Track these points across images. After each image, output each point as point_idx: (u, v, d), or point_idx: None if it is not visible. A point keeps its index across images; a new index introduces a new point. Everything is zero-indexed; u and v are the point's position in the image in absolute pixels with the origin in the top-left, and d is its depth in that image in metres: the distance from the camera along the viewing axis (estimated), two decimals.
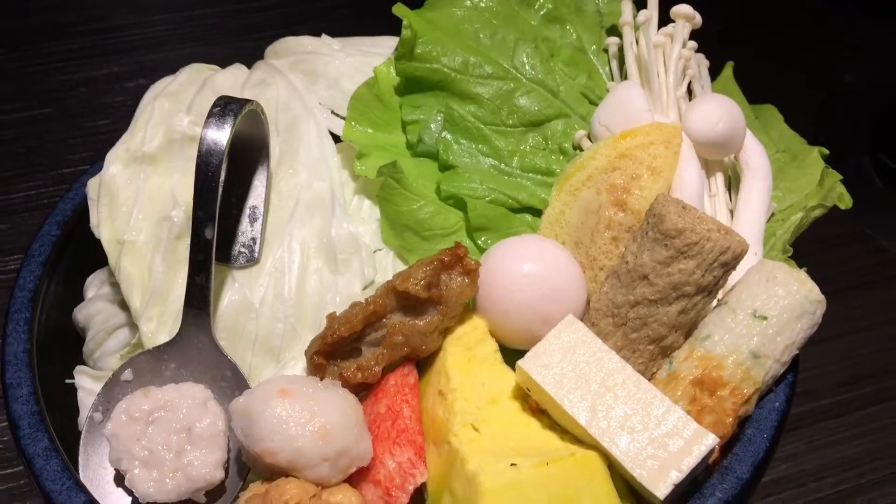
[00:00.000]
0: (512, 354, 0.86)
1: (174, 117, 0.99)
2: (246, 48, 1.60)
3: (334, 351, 0.86)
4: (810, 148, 1.04)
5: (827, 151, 1.02)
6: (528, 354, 0.82)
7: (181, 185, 0.95)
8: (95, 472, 0.84)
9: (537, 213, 0.99)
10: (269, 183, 0.97)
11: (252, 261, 0.93)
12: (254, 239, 0.94)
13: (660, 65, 1.02)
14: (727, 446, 0.81)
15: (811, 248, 0.98)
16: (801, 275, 0.83)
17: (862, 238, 1.50)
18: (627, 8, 1.08)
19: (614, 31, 1.10)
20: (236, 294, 0.91)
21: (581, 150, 1.01)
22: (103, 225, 0.94)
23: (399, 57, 1.02)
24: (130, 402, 0.83)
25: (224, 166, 0.85)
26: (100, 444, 0.85)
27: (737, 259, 0.81)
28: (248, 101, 0.88)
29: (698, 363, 0.81)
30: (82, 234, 0.97)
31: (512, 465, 0.74)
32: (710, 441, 0.75)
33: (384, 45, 1.12)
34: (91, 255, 0.97)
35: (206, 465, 0.81)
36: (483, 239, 0.96)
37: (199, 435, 0.82)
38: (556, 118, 1.03)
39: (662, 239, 0.81)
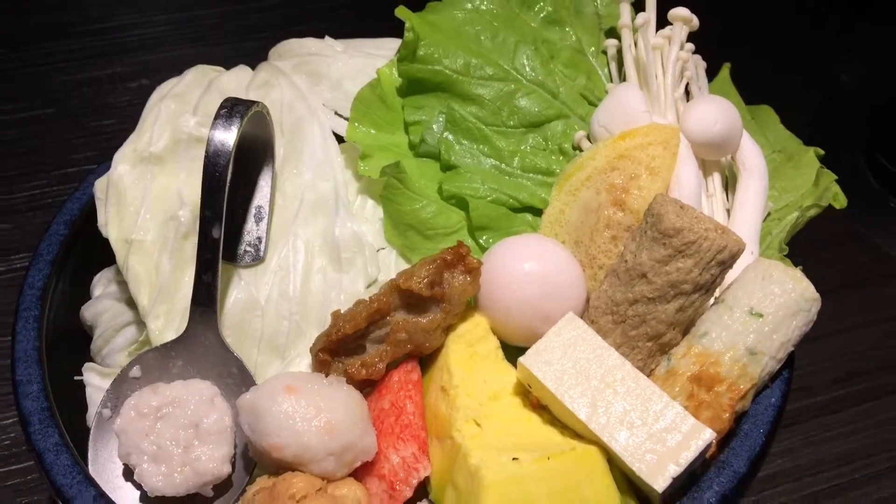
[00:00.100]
0: (513, 351, 0.86)
1: (180, 118, 0.99)
2: (246, 48, 1.61)
3: (339, 348, 0.87)
4: (806, 148, 1.04)
5: (822, 152, 1.03)
6: (529, 351, 0.82)
7: (187, 185, 0.95)
8: (105, 466, 0.85)
9: (538, 212, 0.99)
10: (274, 183, 0.97)
11: (258, 259, 0.93)
12: (259, 238, 0.94)
13: (658, 66, 1.02)
14: (724, 441, 0.82)
15: (806, 246, 0.98)
16: (797, 273, 0.84)
17: (857, 237, 1.50)
18: (626, 10, 1.08)
19: (613, 33, 1.10)
20: (242, 292, 0.92)
21: (580, 150, 1.02)
22: (111, 224, 0.94)
23: (401, 59, 1.02)
24: (139, 398, 0.83)
25: (231, 167, 0.85)
26: (109, 439, 0.86)
27: (734, 258, 0.82)
28: (254, 102, 0.89)
29: (696, 360, 0.82)
30: (89, 233, 0.98)
31: (514, 459, 0.75)
32: (707, 436, 0.75)
33: (386, 47, 1.12)
34: (98, 254, 0.98)
35: (214, 460, 0.81)
36: (484, 238, 0.96)
37: (206, 430, 0.82)
38: (555, 119, 1.03)
39: (661, 238, 0.82)
